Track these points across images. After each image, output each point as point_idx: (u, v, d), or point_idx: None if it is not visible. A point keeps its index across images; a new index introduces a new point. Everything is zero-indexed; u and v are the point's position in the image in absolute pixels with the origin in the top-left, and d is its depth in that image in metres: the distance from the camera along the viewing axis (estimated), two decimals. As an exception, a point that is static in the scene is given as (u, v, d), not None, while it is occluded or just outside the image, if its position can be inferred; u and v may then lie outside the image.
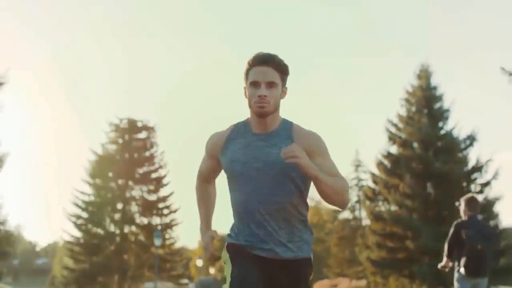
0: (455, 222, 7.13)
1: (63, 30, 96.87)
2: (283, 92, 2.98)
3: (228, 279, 2.93)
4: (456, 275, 7.05)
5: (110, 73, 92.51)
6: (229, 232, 3.08)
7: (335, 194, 2.80)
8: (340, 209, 3.58)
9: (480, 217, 7.43)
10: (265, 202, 2.89)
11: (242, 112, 2.83)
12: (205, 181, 3.26)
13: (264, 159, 2.91)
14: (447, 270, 7.09)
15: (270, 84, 2.89)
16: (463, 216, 7.14)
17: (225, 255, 3.04)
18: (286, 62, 2.98)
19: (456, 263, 7.08)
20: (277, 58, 2.93)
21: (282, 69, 2.93)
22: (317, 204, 51.71)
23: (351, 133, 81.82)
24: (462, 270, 6.93)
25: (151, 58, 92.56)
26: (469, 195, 7.25)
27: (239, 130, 3.04)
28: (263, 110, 2.89)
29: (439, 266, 7.06)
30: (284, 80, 2.96)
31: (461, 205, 7.16)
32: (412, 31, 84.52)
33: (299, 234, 2.96)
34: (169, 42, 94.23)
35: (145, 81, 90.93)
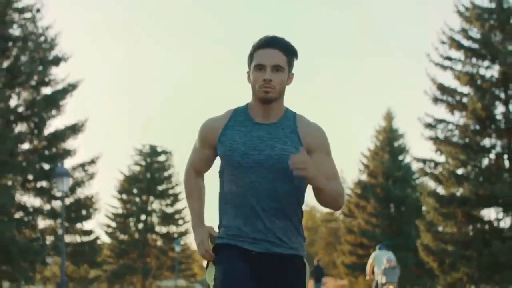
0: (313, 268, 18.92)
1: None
2: (289, 78, 2.67)
3: (212, 283, 2.68)
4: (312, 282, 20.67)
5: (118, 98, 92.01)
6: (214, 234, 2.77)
7: (333, 201, 2.64)
8: (334, 211, 3.27)
9: (320, 264, 21.16)
10: (263, 197, 2.60)
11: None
12: (196, 173, 2.86)
13: (267, 152, 2.61)
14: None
15: (276, 68, 2.60)
16: (315, 263, 20.74)
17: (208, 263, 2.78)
18: (294, 45, 2.69)
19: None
20: (284, 40, 2.66)
21: (289, 53, 2.65)
22: (312, 210, 57.88)
23: (351, 134, 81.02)
24: (312, 281, 20.66)
25: (152, 67, 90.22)
26: (318, 257, 19.40)
27: (238, 117, 2.71)
28: (267, 95, 2.59)
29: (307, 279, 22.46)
30: (291, 65, 2.67)
31: (316, 260, 18.60)
32: (413, 32, 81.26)
33: (294, 232, 2.68)
34: (169, 46, 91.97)
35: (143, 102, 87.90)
